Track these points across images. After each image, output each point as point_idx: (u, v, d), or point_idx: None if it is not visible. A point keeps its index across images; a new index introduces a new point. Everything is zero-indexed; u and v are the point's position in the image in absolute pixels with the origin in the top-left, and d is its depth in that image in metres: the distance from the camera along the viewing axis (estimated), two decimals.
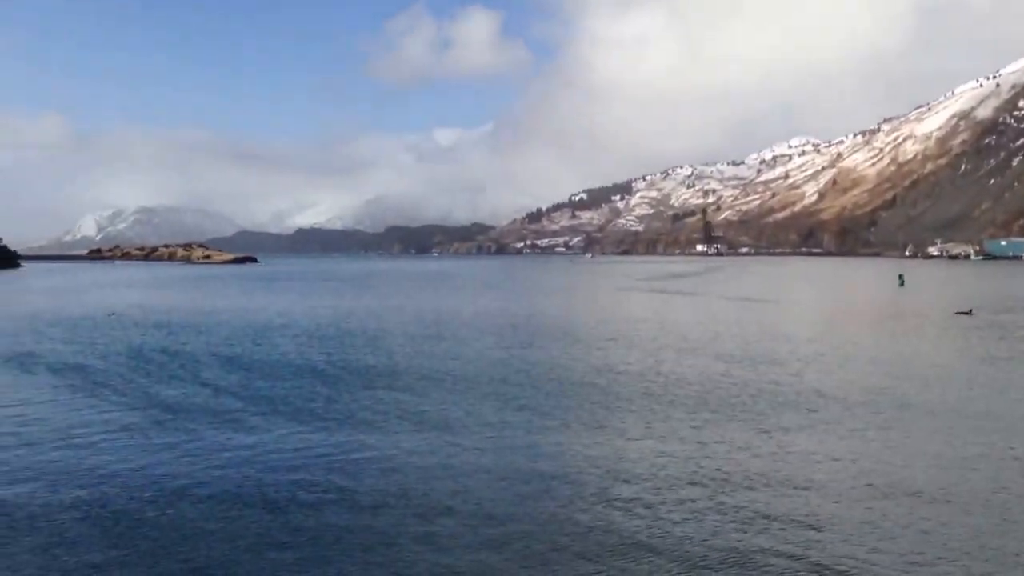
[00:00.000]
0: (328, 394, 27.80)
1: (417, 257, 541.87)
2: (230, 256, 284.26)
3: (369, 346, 41.17)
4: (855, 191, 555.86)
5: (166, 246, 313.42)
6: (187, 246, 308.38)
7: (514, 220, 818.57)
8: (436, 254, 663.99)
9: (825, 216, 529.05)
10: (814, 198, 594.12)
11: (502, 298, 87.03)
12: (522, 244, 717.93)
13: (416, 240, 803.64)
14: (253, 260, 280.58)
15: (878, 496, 16.06)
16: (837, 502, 15.73)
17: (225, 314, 61.12)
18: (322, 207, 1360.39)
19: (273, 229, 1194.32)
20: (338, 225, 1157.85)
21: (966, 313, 57.77)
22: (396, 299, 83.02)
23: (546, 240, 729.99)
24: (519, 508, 15.50)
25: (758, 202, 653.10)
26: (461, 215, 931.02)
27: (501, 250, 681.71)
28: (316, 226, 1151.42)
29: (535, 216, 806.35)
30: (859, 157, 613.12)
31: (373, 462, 18.91)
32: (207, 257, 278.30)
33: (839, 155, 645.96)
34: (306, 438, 21.27)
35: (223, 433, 21.97)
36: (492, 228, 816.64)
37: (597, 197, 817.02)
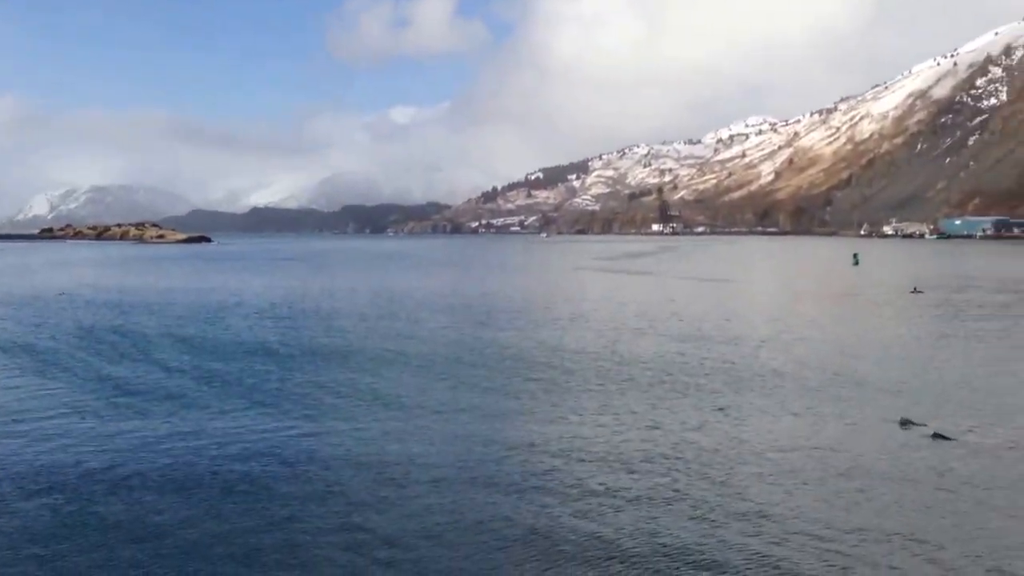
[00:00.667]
0: (281, 374, 27.41)
1: (372, 237, 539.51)
2: (183, 235, 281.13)
3: (323, 326, 40.74)
4: (811, 170, 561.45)
5: (118, 225, 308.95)
6: (140, 225, 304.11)
7: (470, 199, 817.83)
8: (392, 233, 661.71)
9: (781, 195, 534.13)
10: (771, 177, 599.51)
11: (457, 277, 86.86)
12: (478, 223, 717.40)
13: (372, 219, 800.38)
14: (207, 240, 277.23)
15: (833, 474, 16.08)
16: (792, 480, 15.72)
17: (177, 294, 60.27)
18: (277, 186, 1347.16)
19: (227, 208, 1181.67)
20: (293, 204, 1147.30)
21: (916, 292, 58.49)
22: (350, 279, 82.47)
23: (502, 219, 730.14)
24: (473, 489, 15.28)
25: (714, 181, 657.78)
26: (417, 194, 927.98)
27: (457, 229, 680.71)
28: (271, 205, 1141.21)
29: (491, 195, 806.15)
30: (816, 136, 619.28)
31: (326, 442, 18.62)
32: (160, 236, 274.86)
33: (796, 134, 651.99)
34: (259, 418, 20.92)
35: (174, 413, 21.55)
36: (448, 207, 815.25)
37: (553, 176, 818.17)
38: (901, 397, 23.00)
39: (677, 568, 11.79)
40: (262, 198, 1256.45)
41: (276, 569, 11.93)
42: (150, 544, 12.83)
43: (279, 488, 15.33)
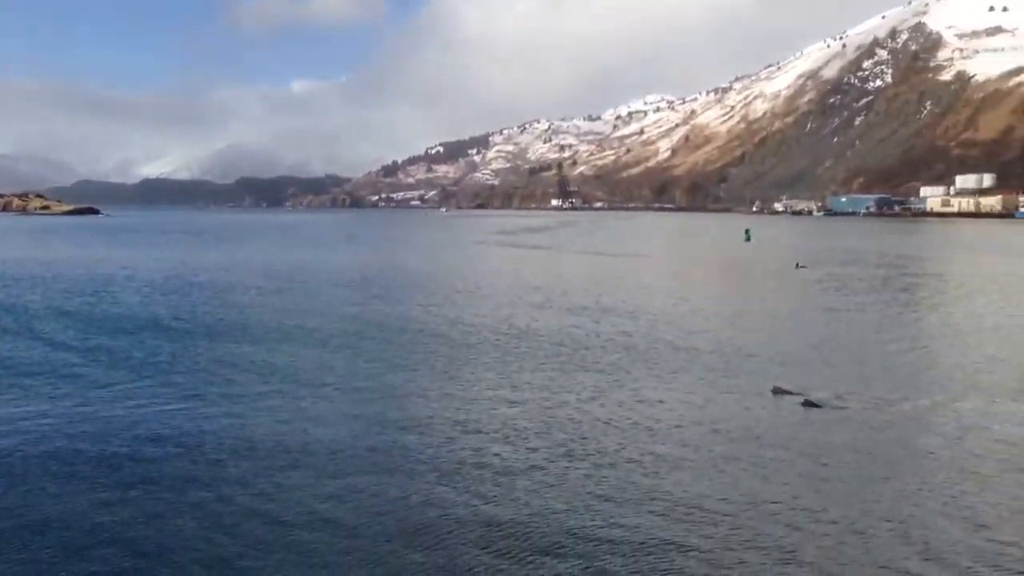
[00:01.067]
0: (173, 349, 26.78)
1: (269, 210, 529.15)
2: (70, 207, 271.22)
3: (217, 299, 39.95)
4: (707, 148, 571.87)
5: (0, 196, 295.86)
6: (23, 196, 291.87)
7: (369, 173, 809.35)
8: (289, 207, 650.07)
9: (678, 172, 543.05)
10: (667, 154, 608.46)
11: (355, 251, 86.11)
12: (377, 197, 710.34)
13: (269, 192, 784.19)
14: (94, 211, 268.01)
15: (723, 441, 16.57)
16: (685, 447, 16.16)
17: (63, 266, 58.20)
18: (170, 157, 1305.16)
19: (117, 179, 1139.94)
20: (186, 176, 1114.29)
21: (800, 267, 60.42)
22: (246, 252, 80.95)
23: (401, 193, 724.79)
24: (368, 461, 15.28)
25: (613, 157, 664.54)
26: (316, 167, 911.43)
27: (356, 203, 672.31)
28: (163, 176, 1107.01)
29: (391, 169, 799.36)
30: (712, 114, 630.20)
31: (218, 416, 18.34)
32: (45, 207, 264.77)
33: (693, 112, 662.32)
34: (148, 396, 20.42)
35: (59, 389, 20.91)
36: (347, 181, 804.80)
37: (453, 150, 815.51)
38: (786, 368, 23.80)
39: (569, 539, 12.01)
40: (154, 169, 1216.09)
41: (156, 556, 11.49)
42: (32, 516, 12.50)
43: (167, 471, 14.88)
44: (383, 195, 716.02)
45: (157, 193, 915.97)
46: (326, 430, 17.39)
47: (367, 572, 10.93)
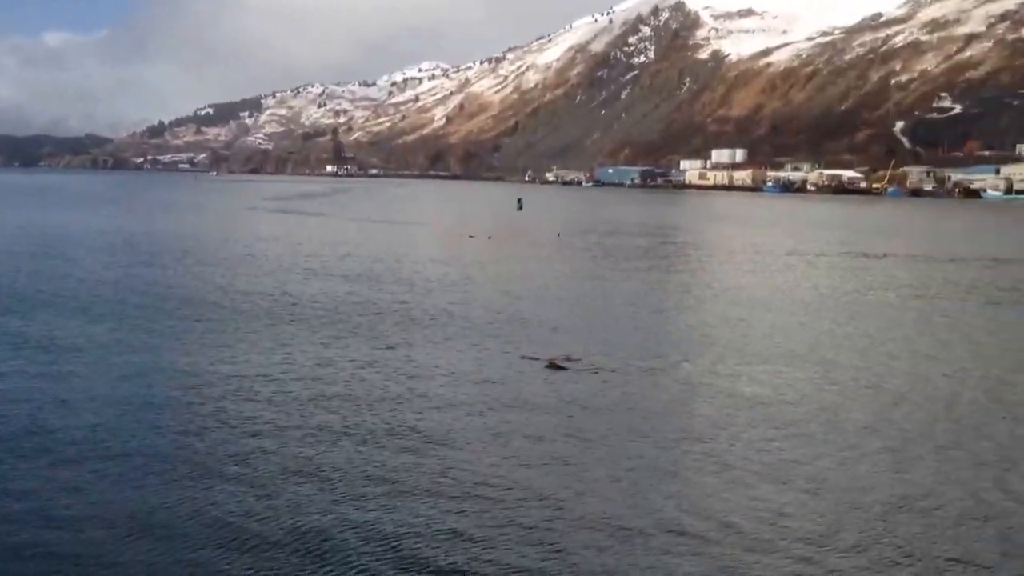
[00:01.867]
0: None
1: (23, 170, 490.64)
2: None
3: None
4: (481, 117, 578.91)
5: None
6: None
7: (134, 133, 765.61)
8: (45, 167, 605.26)
9: (453, 140, 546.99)
10: (442, 122, 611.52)
11: (119, 215, 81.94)
12: (143, 159, 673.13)
13: (21, 152, 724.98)
14: None
15: (498, 407, 17.10)
16: (455, 412, 16.57)
17: None
18: None
19: None
20: None
21: (561, 236, 63.03)
22: None
23: (169, 156, 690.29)
24: (135, 435, 14.71)
25: (389, 124, 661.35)
26: (74, 126, 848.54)
27: (119, 165, 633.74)
28: None
29: (157, 130, 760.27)
30: (485, 84, 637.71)
31: None
32: None
33: (467, 81, 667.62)
34: None
35: None
36: (109, 141, 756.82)
37: (224, 112, 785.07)
38: (556, 333, 24.90)
39: (341, 500, 12.14)
40: None
41: None
42: None
43: None
44: (149, 157, 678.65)
45: None
46: (88, 403, 16.57)
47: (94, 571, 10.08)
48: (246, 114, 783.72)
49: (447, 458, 13.94)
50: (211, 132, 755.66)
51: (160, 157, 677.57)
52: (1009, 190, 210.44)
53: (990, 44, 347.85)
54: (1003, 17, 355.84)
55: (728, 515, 11.82)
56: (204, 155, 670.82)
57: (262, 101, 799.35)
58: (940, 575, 10.18)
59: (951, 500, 12.44)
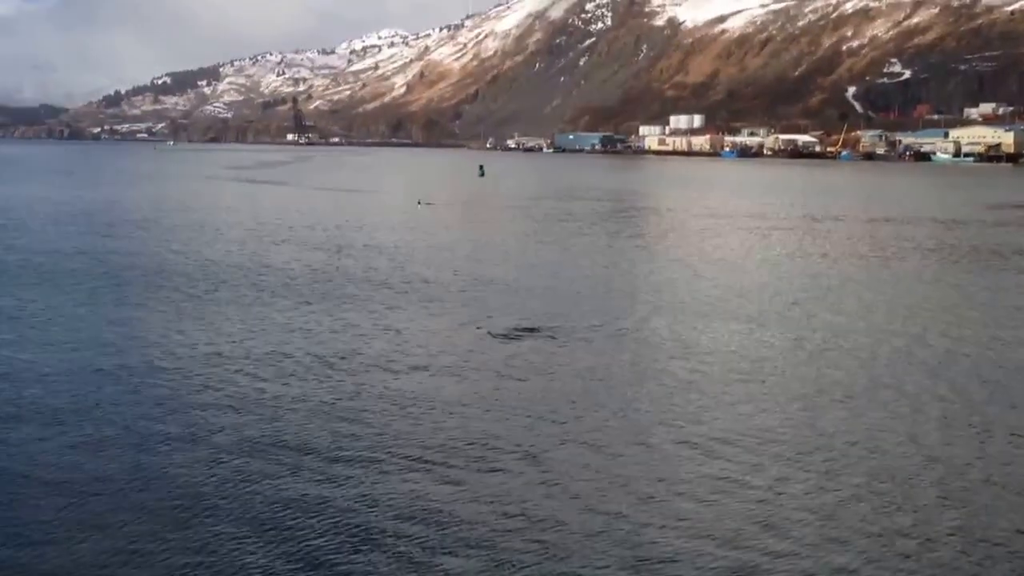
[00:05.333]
0: None
1: None
2: None
3: None
4: (441, 84, 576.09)
5: None
6: None
7: (90, 103, 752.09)
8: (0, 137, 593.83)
9: (413, 108, 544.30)
10: (403, 90, 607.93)
11: (76, 185, 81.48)
12: (100, 129, 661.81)
13: None
14: None
15: (455, 373, 18.04)
16: (412, 379, 17.37)
17: None
18: None
19: None
20: None
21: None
22: None
23: (127, 125, 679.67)
24: (103, 407, 14.59)
25: (349, 92, 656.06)
26: (28, 96, 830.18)
27: (76, 135, 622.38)
28: None
29: (114, 99, 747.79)
30: (445, 51, 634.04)
31: None
32: None
33: (427, 48, 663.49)
34: None
35: None
36: (65, 111, 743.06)
37: (182, 81, 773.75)
38: (517, 296, 25.82)
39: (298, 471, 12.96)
40: None
41: None
42: None
43: None
44: (106, 127, 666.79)
45: None
46: (50, 376, 16.36)
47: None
48: (204, 83, 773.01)
49: (418, 418, 14.28)
50: (169, 101, 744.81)
51: (118, 127, 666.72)
52: (958, 153, 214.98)
53: (936, 10, 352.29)
54: None
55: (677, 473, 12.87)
56: (163, 124, 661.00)
57: (220, 69, 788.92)
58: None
59: (894, 447, 13.48)
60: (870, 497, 11.27)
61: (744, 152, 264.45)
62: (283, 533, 10.03)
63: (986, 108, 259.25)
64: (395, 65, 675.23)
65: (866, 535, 10.16)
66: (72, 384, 15.86)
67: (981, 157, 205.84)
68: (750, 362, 18.10)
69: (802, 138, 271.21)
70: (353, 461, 12.33)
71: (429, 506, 10.76)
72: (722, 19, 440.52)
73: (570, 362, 18.02)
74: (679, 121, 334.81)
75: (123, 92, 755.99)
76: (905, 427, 14.01)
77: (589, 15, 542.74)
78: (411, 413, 14.52)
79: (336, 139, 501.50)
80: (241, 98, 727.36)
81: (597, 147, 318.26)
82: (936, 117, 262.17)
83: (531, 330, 20.73)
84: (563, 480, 11.73)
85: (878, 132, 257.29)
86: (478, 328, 21.04)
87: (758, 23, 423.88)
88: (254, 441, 13.05)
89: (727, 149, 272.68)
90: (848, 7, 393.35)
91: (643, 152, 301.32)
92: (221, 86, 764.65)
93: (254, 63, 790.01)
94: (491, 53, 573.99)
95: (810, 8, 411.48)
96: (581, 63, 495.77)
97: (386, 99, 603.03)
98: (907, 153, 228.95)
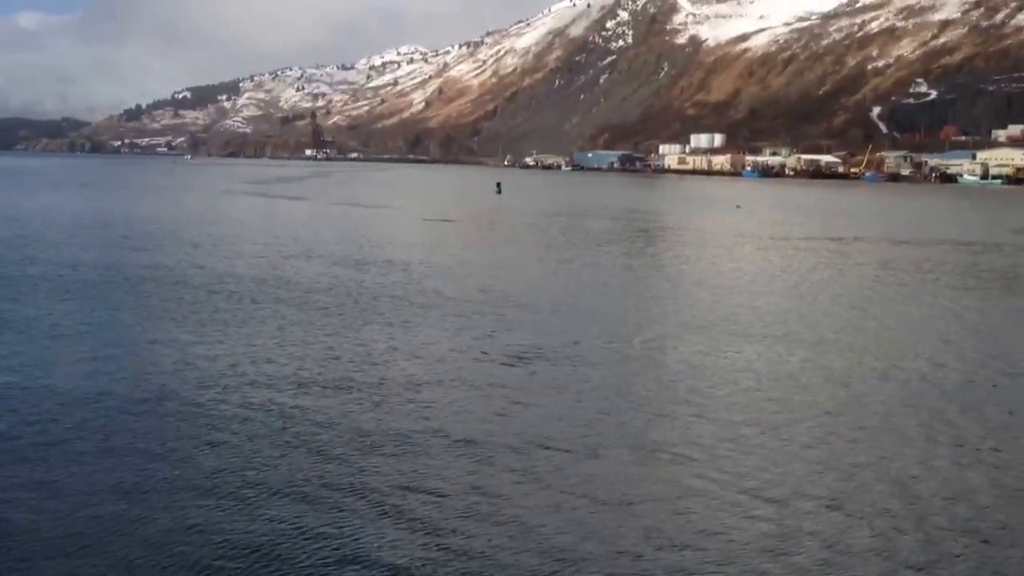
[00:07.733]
0: None
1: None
2: None
3: None
4: (460, 101, 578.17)
5: None
6: None
7: (111, 116, 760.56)
8: (22, 150, 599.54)
9: (432, 124, 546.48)
10: (421, 106, 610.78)
11: (97, 198, 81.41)
12: (120, 143, 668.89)
13: None
14: None
15: (467, 389, 17.37)
16: (420, 394, 16.69)
17: None
18: None
19: None
20: None
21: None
22: None
23: (147, 139, 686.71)
24: (122, 420, 14.58)
25: (367, 108, 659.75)
26: (50, 109, 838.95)
27: (97, 148, 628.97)
28: None
29: (134, 113, 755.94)
30: (464, 68, 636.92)
31: None
32: None
33: (446, 65, 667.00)
34: None
35: None
36: (87, 124, 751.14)
37: (202, 96, 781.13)
38: (534, 315, 25.06)
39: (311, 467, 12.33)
40: None
41: None
42: None
43: None
44: (127, 141, 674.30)
45: None
46: (74, 389, 16.29)
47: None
48: (224, 97, 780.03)
49: (409, 445, 13.91)
50: (189, 115, 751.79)
51: (138, 141, 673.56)
52: (985, 175, 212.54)
53: (964, 30, 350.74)
54: (977, 4, 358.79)
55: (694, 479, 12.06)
56: (182, 139, 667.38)
57: (240, 84, 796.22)
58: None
59: (914, 473, 12.73)
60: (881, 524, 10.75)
61: (765, 172, 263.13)
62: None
63: (1014, 130, 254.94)
64: (414, 81, 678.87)
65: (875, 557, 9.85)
66: (92, 396, 15.70)
67: (1009, 179, 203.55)
68: (769, 383, 17.77)
69: (825, 158, 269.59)
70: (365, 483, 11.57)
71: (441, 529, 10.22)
72: (744, 37, 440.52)
73: (586, 381, 17.69)
74: (700, 140, 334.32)
75: (144, 106, 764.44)
76: (918, 454, 13.63)
77: (610, 33, 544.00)
78: (425, 430, 13.94)
79: (354, 154, 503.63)
80: (260, 113, 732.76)
81: (616, 165, 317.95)
82: (963, 138, 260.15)
83: (546, 348, 20.34)
84: (579, 511, 10.93)
85: (903, 153, 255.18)
86: (491, 342, 20.26)
87: (781, 42, 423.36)
88: (268, 455, 12.62)
89: (748, 169, 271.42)
90: (874, 26, 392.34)
91: (663, 171, 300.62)
92: (241, 101, 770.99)
93: (274, 78, 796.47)
94: (510, 70, 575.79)
95: (835, 27, 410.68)
96: (601, 81, 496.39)
97: (404, 115, 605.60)
98: (933, 175, 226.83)
